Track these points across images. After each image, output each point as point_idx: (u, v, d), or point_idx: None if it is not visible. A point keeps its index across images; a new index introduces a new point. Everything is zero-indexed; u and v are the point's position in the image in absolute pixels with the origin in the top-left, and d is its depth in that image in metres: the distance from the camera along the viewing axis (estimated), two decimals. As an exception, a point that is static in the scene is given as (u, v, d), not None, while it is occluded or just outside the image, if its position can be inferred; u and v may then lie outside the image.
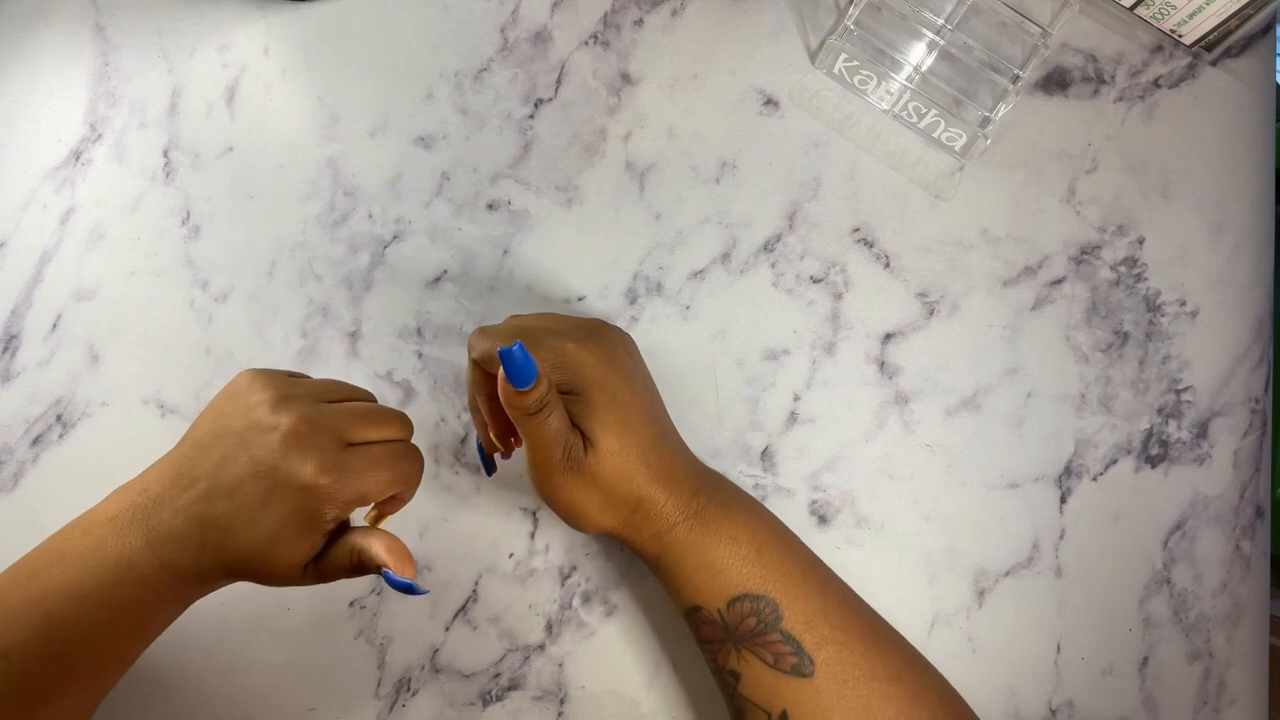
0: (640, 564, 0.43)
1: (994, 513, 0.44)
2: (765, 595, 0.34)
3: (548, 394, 0.33)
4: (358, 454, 0.33)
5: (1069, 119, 0.48)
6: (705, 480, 0.37)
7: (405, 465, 0.35)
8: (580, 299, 0.46)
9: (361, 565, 0.33)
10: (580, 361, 0.35)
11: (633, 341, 0.40)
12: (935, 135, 0.47)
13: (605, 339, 0.37)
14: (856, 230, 0.46)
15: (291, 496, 0.32)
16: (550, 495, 0.36)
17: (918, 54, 0.47)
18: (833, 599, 0.35)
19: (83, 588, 0.32)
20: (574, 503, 0.36)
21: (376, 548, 0.33)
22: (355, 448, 0.33)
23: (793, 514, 0.44)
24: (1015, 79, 0.45)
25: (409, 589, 0.34)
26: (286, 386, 0.34)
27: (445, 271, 0.46)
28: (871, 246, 0.46)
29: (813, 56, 0.48)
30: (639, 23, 0.49)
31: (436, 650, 0.42)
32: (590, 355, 0.35)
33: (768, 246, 0.46)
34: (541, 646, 0.42)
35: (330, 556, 0.34)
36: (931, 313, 0.46)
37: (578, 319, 0.39)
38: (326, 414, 0.33)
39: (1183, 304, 0.46)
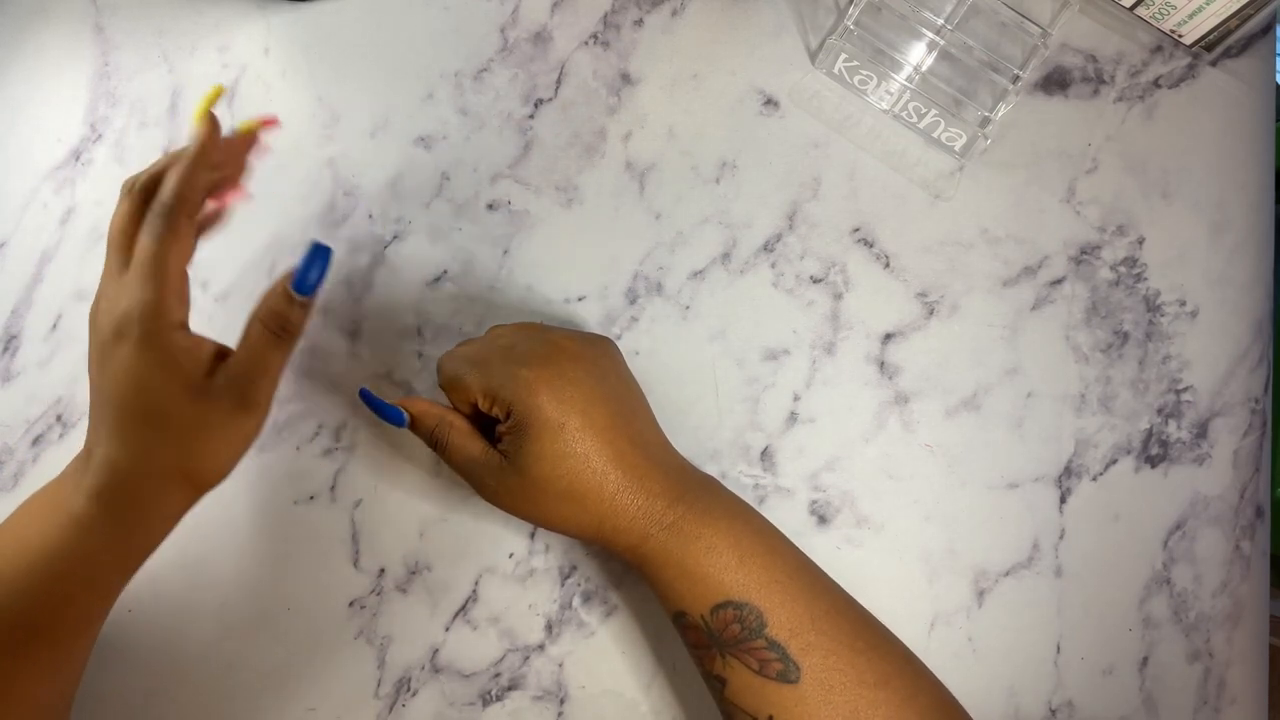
0: (640, 564, 0.43)
1: (994, 513, 0.44)
2: (749, 602, 0.34)
3: (434, 429, 0.38)
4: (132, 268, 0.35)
5: (1069, 119, 0.48)
6: (689, 488, 0.37)
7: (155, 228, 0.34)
8: (580, 299, 0.46)
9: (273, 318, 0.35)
10: (527, 391, 0.36)
11: (608, 353, 0.39)
12: (935, 135, 0.47)
13: (559, 363, 0.37)
14: (856, 230, 0.46)
15: (124, 345, 0.33)
16: (501, 507, 0.38)
17: (918, 54, 0.47)
18: (820, 604, 0.35)
19: (27, 540, 0.33)
20: (529, 517, 0.38)
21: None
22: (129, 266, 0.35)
23: (793, 514, 0.44)
24: (1015, 79, 0.45)
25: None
26: None
27: (445, 271, 0.46)
28: (871, 246, 0.46)
29: (813, 56, 0.48)
30: (639, 23, 0.49)
31: (436, 650, 0.42)
32: (540, 383, 0.36)
33: (768, 246, 0.46)
34: (541, 646, 0.42)
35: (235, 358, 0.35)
36: (931, 313, 0.46)
37: (545, 338, 0.38)
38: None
39: (1183, 304, 0.46)
